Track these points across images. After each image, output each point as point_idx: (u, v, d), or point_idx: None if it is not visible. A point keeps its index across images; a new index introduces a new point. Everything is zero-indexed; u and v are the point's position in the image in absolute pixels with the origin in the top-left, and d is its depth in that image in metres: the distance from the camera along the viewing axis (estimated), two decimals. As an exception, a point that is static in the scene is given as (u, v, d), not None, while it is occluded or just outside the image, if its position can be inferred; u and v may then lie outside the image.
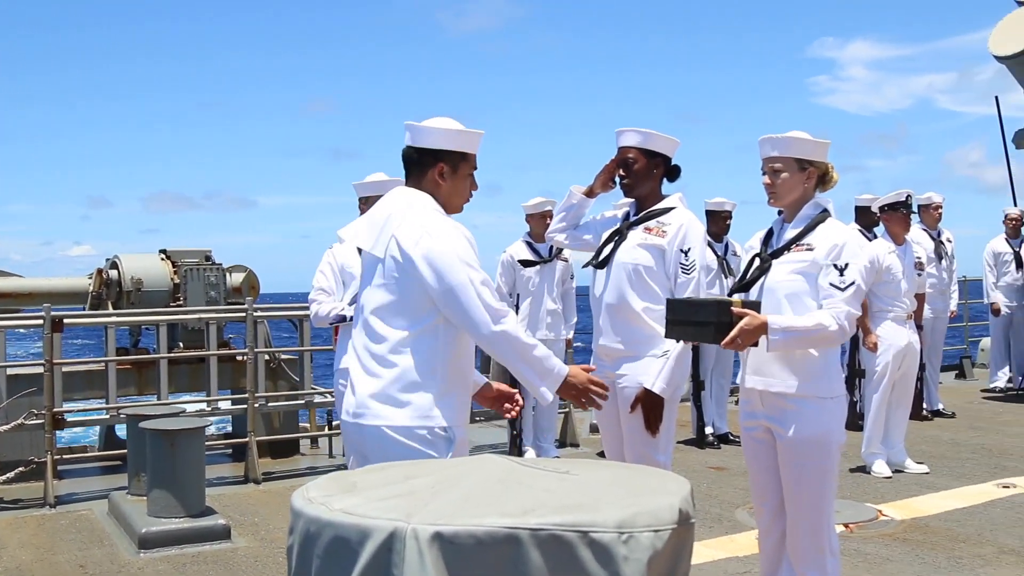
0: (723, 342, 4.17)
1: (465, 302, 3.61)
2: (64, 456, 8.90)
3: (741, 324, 4.16)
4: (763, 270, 4.54)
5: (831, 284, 4.35)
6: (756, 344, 4.32)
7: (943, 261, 11.55)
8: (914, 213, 9.12)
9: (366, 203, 6.23)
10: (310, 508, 2.37)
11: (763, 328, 4.21)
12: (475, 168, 3.96)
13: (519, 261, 9.13)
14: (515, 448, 9.21)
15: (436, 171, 3.85)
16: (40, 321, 8.30)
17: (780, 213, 4.70)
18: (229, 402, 9.71)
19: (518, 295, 9.08)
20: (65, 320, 8.57)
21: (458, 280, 3.60)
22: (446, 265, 3.61)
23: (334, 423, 10.00)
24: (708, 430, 10.06)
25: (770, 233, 4.70)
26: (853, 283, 4.33)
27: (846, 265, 4.36)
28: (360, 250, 3.98)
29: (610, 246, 5.12)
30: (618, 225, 5.18)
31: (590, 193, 5.30)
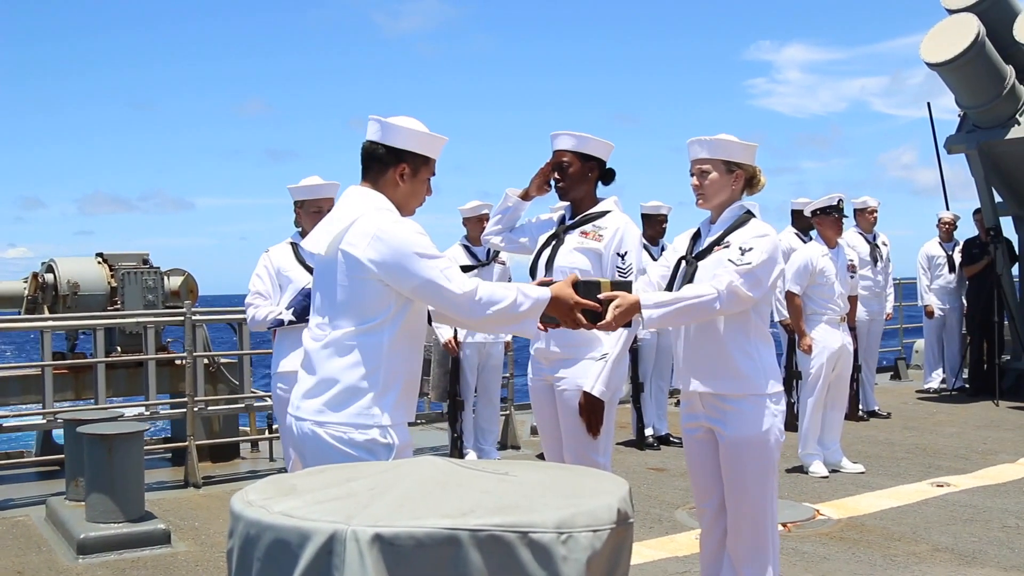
0: (598, 324, 4.10)
1: (442, 295, 3.61)
2: (0, 461, 8.76)
3: (612, 305, 4.10)
4: (690, 272, 4.58)
5: (728, 260, 4.40)
6: (629, 324, 4.34)
7: (878, 264, 11.71)
8: (847, 217, 9.24)
9: (301, 207, 6.21)
10: (250, 511, 2.37)
11: (636, 307, 4.19)
12: (434, 174, 3.94)
13: (460, 266, 9.13)
14: (456, 450, 9.22)
15: (398, 171, 3.81)
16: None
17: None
18: (168, 406, 9.61)
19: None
20: (0, 324, 8.44)
21: (425, 276, 3.58)
22: (408, 264, 3.59)
23: (274, 427, 9.94)
24: (648, 431, 10.12)
25: (697, 234, 4.74)
26: (750, 263, 4.35)
27: (750, 248, 4.40)
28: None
29: (547, 251, 5.14)
30: (554, 229, 5.21)
31: (525, 196, 5.32)
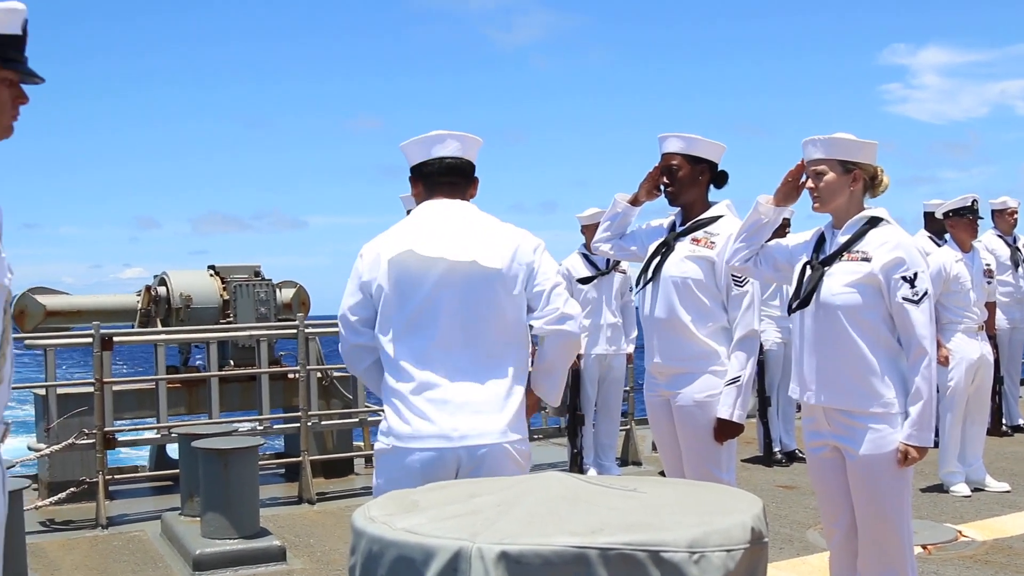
0: None
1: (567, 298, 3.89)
2: (115, 476, 9.00)
3: None
4: (816, 278, 4.46)
5: (904, 299, 4.29)
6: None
7: (1020, 268, 11.36)
8: (982, 219, 8.95)
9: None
10: (372, 527, 2.40)
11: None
12: None
13: (577, 280, 9.11)
14: (575, 466, 9.22)
15: (475, 187, 4.00)
16: (89, 339, 8.42)
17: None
18: (281, 421, 9.77)
19: (576, 309, 9.06)
20: (114, 338, 8.68)
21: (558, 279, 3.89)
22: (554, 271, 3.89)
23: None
24: (775, 447, 9.99)
25: (821, 239, 4.60)
26: (926, 292, 4.29)
27: (915, 275, 4.30)
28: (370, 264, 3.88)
29: (657, 259, 5.10)
30: (664, 236, 5.16)
31: (635, 201, 5.30)
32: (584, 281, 9.10)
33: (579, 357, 9.01)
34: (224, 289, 10.32)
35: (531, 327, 3.84)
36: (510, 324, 3.76)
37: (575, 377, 9.13)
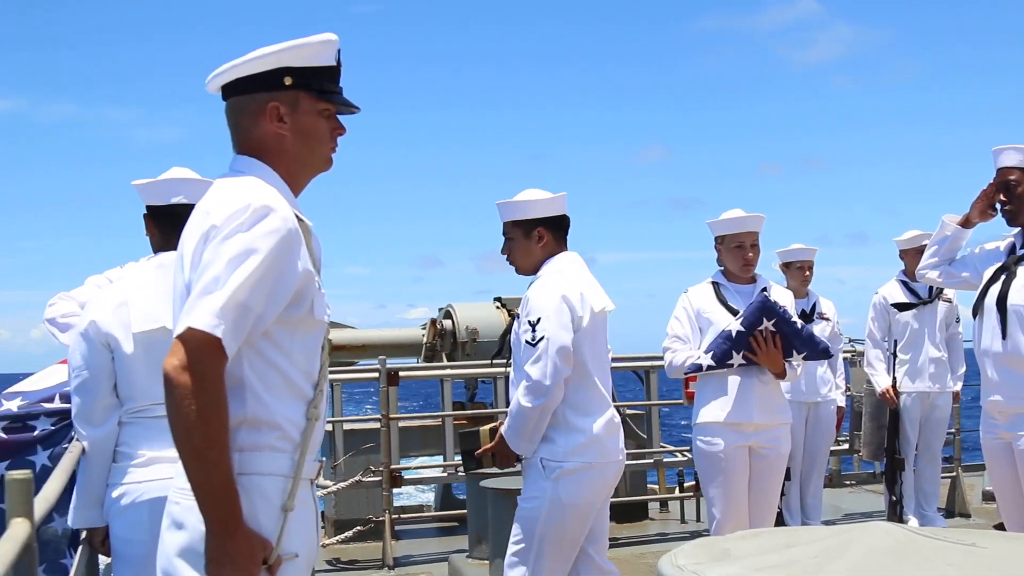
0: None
1: None
2: (401, 516, 9.26)
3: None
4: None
5: None
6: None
7: None
8: None
9: (722, 242, 6.23)
10: (681, 577, 2.36)
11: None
12: None
13: (893, 304, 8.81)
14: (895, 515, 8.86)
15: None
16: (375, 374, 8.71)
17: None
18: (571, 461, 9.80)
19: (894, 341, 8.75)
20: (400, 372, 8.95)
21: None
22: None
23: (685, 484, 9.94)
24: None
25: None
26: None
27: None
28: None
29: (996, 286, 4.88)
30: (1003, 261, 4.93)
31: (966, 223, 5.10)
32: (902, 308, 8.76)
33: (898, 395, 8.68)
34: (511, 322, 10.45)
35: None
36: None
37: (893, 417, 8.79)
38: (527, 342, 4.66)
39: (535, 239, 4.85)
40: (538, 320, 4.65)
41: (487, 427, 5.04)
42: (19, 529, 2.61)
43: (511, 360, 4.93)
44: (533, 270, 4.93)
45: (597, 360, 4.83)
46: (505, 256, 5.02)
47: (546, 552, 4.71)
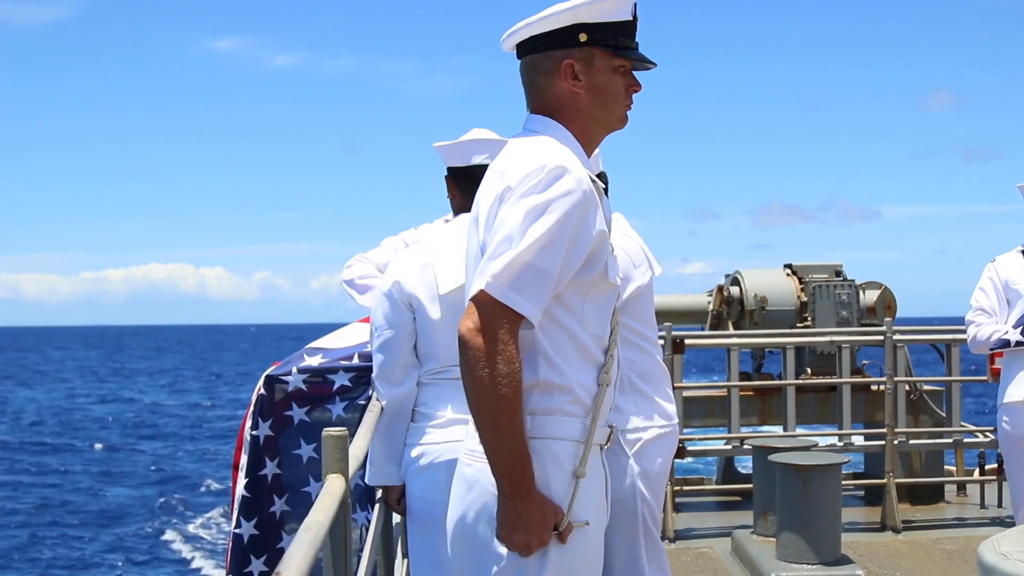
0: None
1: None
2: (683, 488, 9.21)
3: None
4: None
5: None
6: None
7: None
8: None
9: None
10: (1006, 564, 2.24)
11: None
12: None
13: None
14: None
15: None
16: (661, 342, 8.66)
17: None
18: (863, 437, 9.56)
19: None
20: (687, 341, 8.87)
21: None
22: None
23: (986, 467, 9.55)
24: None
25: None
26: None
27: None
28: None
29: None
30: None
31: None
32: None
33: None
34: (802, 290, 10.27)
35: None
36: None
37: None
38: None
39: None
40: None
41: None
42: (335, 484, 2.69)
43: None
44: None
45: None
46: None
47: None
